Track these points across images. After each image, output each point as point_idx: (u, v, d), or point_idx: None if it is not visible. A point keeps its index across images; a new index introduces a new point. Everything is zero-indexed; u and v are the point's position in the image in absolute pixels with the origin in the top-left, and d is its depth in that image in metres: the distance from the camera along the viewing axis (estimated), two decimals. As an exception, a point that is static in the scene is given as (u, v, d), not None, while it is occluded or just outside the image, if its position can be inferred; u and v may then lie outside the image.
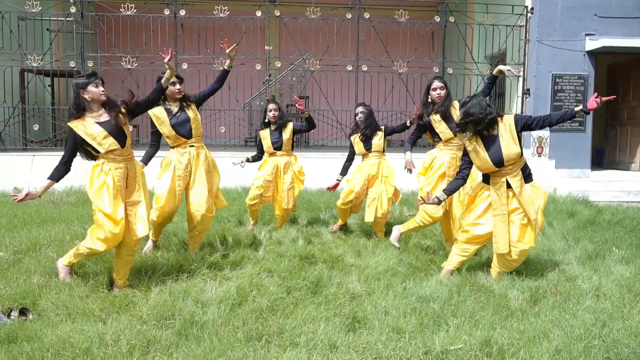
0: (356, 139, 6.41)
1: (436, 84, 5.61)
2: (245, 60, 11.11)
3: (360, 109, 6.39)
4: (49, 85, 12.44)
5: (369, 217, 6.33)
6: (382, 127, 6.43)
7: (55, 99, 12.38)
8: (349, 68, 10.99)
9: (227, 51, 5.43)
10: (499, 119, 4.53)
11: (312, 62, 10.98)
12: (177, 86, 5.32)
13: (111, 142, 4.27)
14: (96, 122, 4.28)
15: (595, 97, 4.43)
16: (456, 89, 11.67)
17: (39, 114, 11.49)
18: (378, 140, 6.33)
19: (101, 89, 4.28)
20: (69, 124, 4.27)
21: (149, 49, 11.26)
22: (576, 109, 4.47)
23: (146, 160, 5.47)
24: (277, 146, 6.60)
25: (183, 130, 5.34)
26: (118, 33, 11.42)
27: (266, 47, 11.16)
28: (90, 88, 4.24)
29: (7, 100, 10.81)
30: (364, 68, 10.97)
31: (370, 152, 6.34)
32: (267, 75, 11.23)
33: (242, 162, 6.66)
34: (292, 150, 6.74)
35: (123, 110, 4.40)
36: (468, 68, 11.84)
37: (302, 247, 5.93)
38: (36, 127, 10.74)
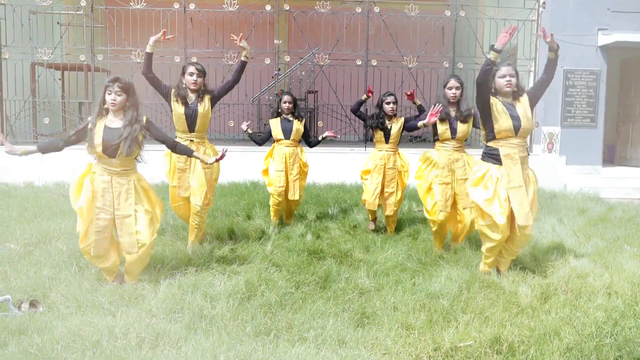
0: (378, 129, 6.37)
1: (452, 82, 5.52)
2: (254, 55, 11.01)
3: (392, 97, 6.28)
4: (59, 79, 12.42)
5: (389, 211, 6.35)
6: (402, 118, 6.41)
7: (65, 93, 12.37)
8: (359, 62, 10.89)
9: (238, 43, 5.47)
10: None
11: (322, 57, 10.91)
12: (194, 77, 5.39)
13: (99, 151, 4.27)
14: (105, 125, 4.34)
15: None
16: (467, 84, 11.49)
17: (50, 108, 11.49)
18: (397, 130, 6.30)
19: (112, 97, 4.27)
20: (90, 118, 4.34)
21: (158, 42, 11.05)
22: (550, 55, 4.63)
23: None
24: (287, 133, 6.56)
25: (189, 121, 5.44)
26: (128, 27, 11.40)
27: (275, 41, 11.13)
28: (105, 94, 4.31)
29: (17, 94, 10.81)
30: (374, 62, 10.88)
31: (388, 143, 6.33)
32: (276, 69, 11.17)
33: (247, 125, 6.43)
34: (299, 142, 6.74)
35: (145, 126, 4.39)
36: (478, 63, 11.71)
37: (311, 242, 5.91)
38: (47, 120, 10.75)
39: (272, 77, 11.53)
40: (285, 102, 6.64)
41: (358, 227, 6.81)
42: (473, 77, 11.63)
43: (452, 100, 5.52)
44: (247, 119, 11.72)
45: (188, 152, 4.77)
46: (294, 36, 13.44)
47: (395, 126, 6.33)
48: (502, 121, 4.54)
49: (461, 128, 5.52)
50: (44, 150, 4.39)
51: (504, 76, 4.59)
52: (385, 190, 6.41)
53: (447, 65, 11.05)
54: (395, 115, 6.36)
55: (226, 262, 5.10)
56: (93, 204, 4.29)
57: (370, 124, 6.44)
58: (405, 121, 6.31)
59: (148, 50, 5.23)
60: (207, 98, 5.53)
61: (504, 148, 4.57)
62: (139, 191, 4.41)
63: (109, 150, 4.28)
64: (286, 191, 6.61)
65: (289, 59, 11.47)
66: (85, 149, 4.36)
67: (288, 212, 6.88)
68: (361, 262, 5.24)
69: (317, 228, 6.59)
